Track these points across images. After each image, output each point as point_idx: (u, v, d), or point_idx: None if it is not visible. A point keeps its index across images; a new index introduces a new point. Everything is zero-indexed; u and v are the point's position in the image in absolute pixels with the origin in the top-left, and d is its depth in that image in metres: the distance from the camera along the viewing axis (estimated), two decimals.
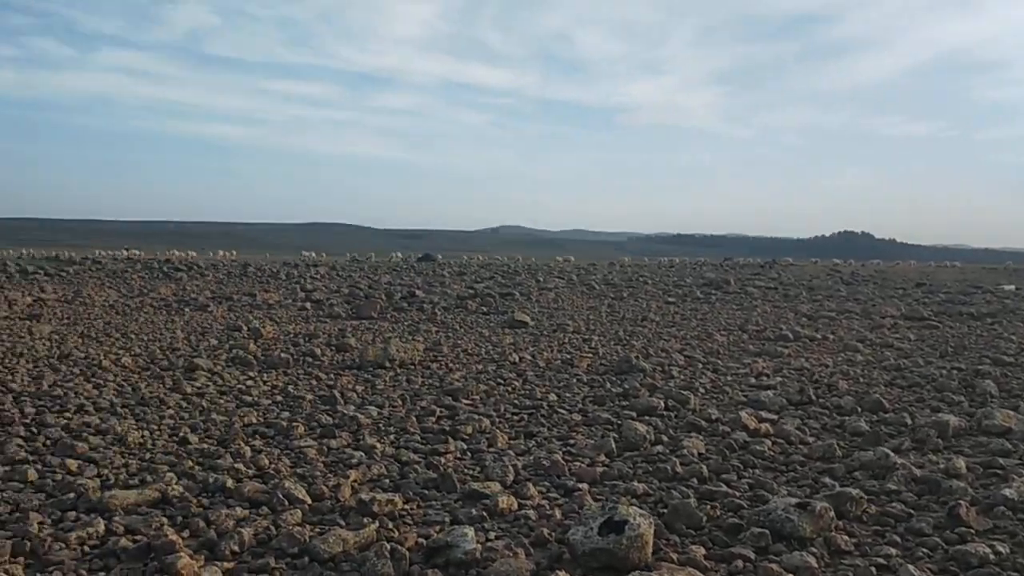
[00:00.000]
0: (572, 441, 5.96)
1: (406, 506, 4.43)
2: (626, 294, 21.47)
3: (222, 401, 7.25)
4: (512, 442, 5.93)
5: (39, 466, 5.03)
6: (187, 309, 15.94)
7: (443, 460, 5.36)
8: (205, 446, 5.63)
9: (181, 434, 5.93)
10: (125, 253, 40.42)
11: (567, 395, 7.72)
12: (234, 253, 50.34)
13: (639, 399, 7.28)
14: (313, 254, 50.22)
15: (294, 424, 6.21)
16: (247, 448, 5.53)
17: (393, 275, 29.62)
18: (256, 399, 7.37)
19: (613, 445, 5.66)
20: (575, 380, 8.50)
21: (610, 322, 14.85)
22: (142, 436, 5.83)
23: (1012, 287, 26.32)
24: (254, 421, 6.45)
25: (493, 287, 23.20)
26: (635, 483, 4.88)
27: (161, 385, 7.92)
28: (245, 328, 12.62)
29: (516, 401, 7.37)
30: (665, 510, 4.34)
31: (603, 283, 25.17)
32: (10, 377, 8.08)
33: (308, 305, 17.07)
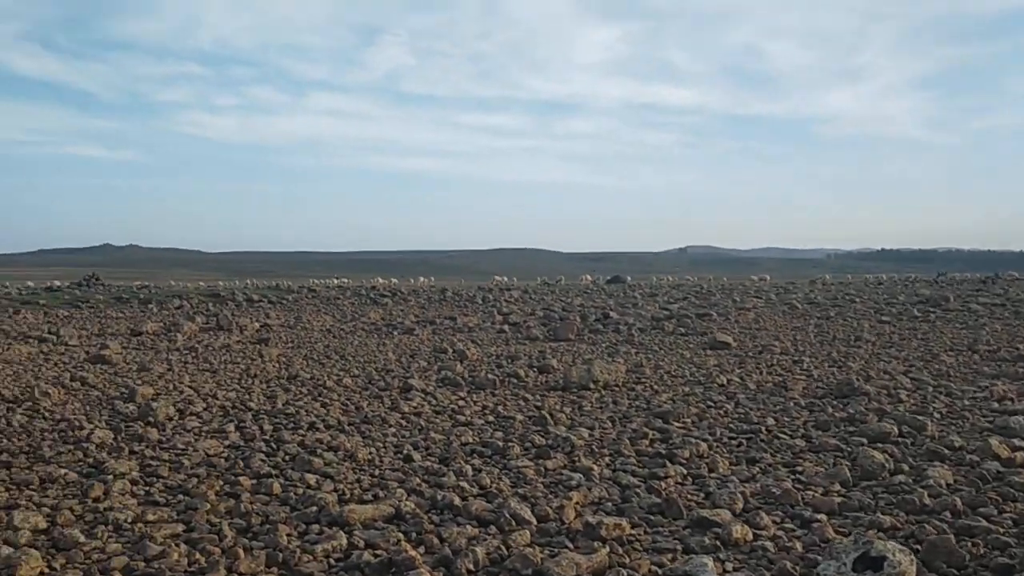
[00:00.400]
0: (799, 468, 5.62)
1: (633, 531, 4.33)
2: (833, 313, 20.30)
3: (438, 420, 7.48)
4: (734, 468, 5.67)
5: (282, 480, 5.37)
6: (395, 332, 16.72)
7: (663, 484, 5.21)
8: (428, 464, 5.80)
9: (405, 452, 6.15)
10: (335, 281, 43.17)
11: (786, 419, 7.33)
12: (432, 279, 52.50)
13: (868, 424, 6.78)
14: (505, 278, 51.41)
15: (509, 444, 6.28)
16: (468, 467, 5.63)
17: (585, 297, 29.73)
18: (469, 419, 7.54)
19: (848, 473, 5.28)
20: (792, 404, 8.07)
21: (820, 343, 14.06)
22: (370, 453, 6.10)
23: None
24: (470, 440, 6.59)
25: (688, 308, 22.72)
26: (879, 515, 4.51)
27: (381, 404, 8.29)
28: (451, 350, 13.03)
29: (731, 425, 7.08)
30: (919, 546, 3.97)
31: (805, 302, 23.98)
32: (248, 396, 8.76)
33: (506, 328, 17.43)
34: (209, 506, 4.77)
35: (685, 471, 5.53)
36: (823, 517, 4.50)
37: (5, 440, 6.65)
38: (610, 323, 18.08)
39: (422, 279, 50.63)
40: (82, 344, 14.51)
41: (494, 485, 5.23)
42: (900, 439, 6.41)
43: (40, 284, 37.47)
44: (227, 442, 6.56)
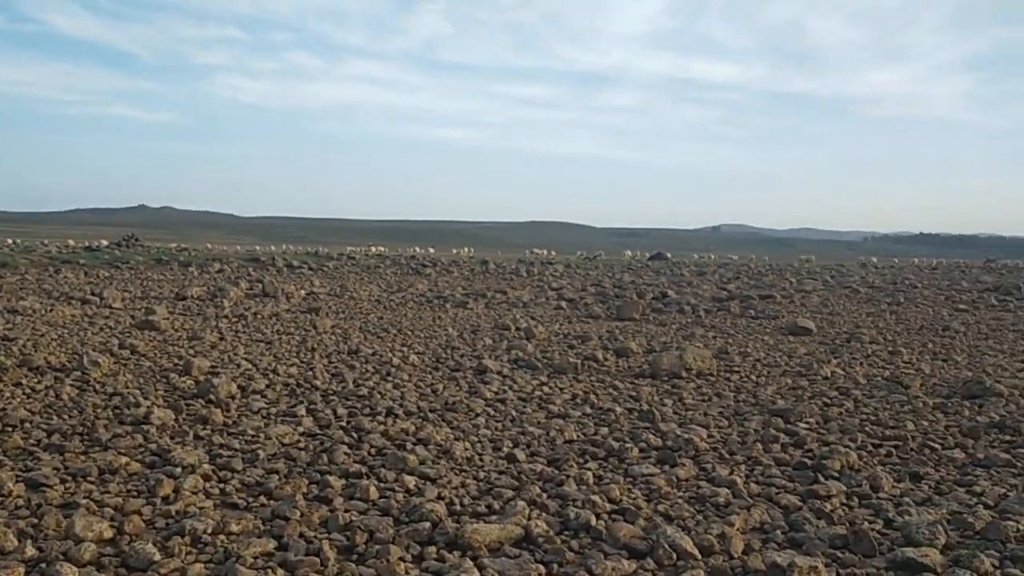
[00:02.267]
0: (977, 488, 4.76)
1: (827, 573, 3.51)
2: (902, 299, 19.25)
3: (529, 410, 6.70)
4: (900, 486, 4.83)
5: (376, 481, 4.62)
6: (448, 305, 15.97)
7: (830, 506, 4.38)
8: (538, 467, 5.01)
9: (505, 449, 5.39)
10: (374, 250, 42.61)
11: (924, 423, 6.46)
12: (471, 250, 51.78)
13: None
14: (544, 252, 50.57)
15: (624, 445, 5.48)
16: (587, 473, 4.84)
17: (632, 274, 28.84)
18: (563, 409, 6.75)
19: None
20: (920, 404, 7.18)
21: (906, 331, 13.10)
22: (466, 449, 5.34)
23: None
24: (575, 437, 5.80)
25: (745, 288, 21.76)
26: None
27: (459, 388, 7.54)
28: (513, 327, 12.26)
29: (867, 429, 6.21)
30: None
31: (865, 286, 22.96)
32: (311, 373, 8.04)
33: (563, 304, 16.62)
34: (300, 514, 4.03)
35: (845, 488, 4.68)
36: None
37: (56, 418, 5.98)
38: (671, 303, 17.20)
39: (466, 250, 49.91)
40: (126, 307, 13.93)
41: (626, 498, 4.44)
42: None
43: (80, 243, 37.26)
44: (301, 428, 5.83)
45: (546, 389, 7.61)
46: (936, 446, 5.71)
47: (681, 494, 4.57)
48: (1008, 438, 5.97)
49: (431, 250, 48.35)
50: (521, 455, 5.25)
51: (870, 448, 5.64)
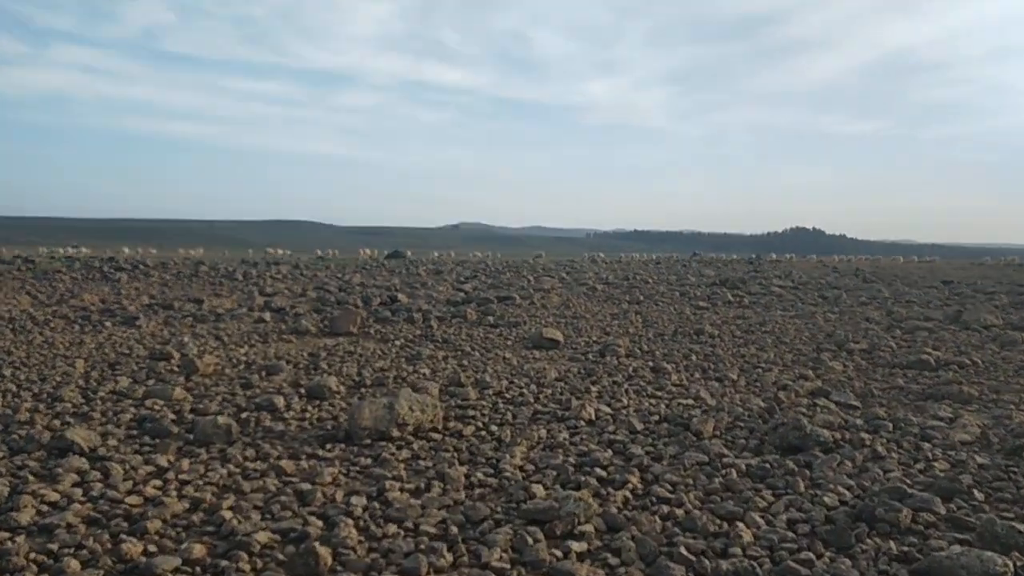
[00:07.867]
0: None
1: None
2: (641, 297, 18.01)
3: (85, 555, 3.55)
4: None
5: None
6: (109, 323, 12.00)
7: None
8: None
9: None
10: (71, 251, 35.92)
11: (755, 518, 4.13)
12: (200, 251, 45.89)
13: (937, 555, 3.68)
14: (281, 251, 46.08)
15: None
16: None
17: (364, 274, 25.88)
18: (164, 530, 3.67)
19: None
20: (734, 474, 4.89)
21: (660, 338, 11.32)
22: None
23: None
24: None
25: (483, 288, 19.68)
26: None
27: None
28: (176, 355, 8.87)
29: (681, 542, 3.72)
30: None
31: (600, 282, 21.86)
32: None
33: (267, 316, 13.20)
34: None
35: None
36: None
37: None
38: (399, 309, 14.47)
39: (192, 251, 43.99)
40: None
41: None
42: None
43: None
44: None
45: (157, 484, 4.47)
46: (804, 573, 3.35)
47: None
48: (889, 544, 3.77)
49: (153, 251, 41.83)
50: None
51: None
